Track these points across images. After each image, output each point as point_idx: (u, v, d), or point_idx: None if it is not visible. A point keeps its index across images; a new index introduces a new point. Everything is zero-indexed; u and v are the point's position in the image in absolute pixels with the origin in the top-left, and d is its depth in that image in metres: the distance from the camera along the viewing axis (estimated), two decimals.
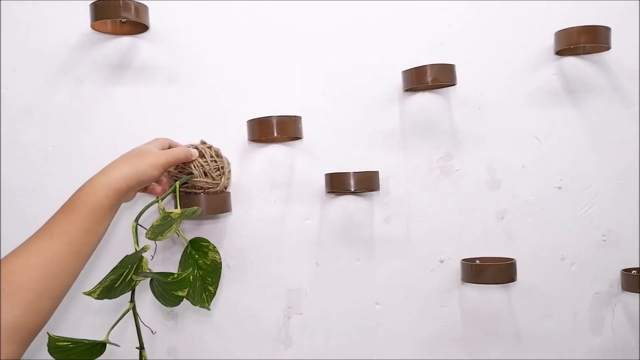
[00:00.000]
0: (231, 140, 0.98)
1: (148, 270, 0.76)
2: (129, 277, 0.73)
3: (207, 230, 0.98)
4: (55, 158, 0.97)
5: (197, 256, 0.83)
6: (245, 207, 0.98)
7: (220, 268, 0.83)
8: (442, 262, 1.01)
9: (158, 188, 0.87)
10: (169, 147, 0.84)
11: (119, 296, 0.76)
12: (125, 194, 0.73)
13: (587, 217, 1.02)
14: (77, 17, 0.95)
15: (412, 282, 1.01)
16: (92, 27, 0.93)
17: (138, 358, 0.83)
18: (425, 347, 1.01)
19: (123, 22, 0.97)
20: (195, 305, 0.82)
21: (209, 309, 0.82)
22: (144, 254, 0.75)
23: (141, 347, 0.85)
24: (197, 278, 0.82)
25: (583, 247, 1.02)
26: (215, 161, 0.87)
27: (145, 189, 0.86)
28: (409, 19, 1.01)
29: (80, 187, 0.71)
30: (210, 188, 0.86)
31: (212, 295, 0.82)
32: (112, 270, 0.73)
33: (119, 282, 0.72)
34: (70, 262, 0.66)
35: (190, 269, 0.82)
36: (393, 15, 1.01)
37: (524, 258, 1.00)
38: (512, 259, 0.96)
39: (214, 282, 0.82)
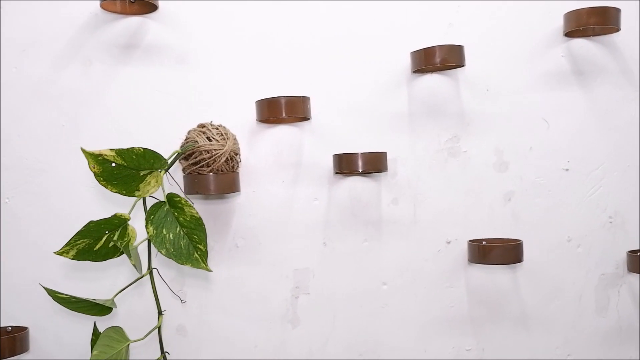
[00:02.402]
0: (240, 121, 0.95)
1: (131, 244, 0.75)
2: (111, 243, 0.72)
3: (216, 210, 0.96)
4: (65, 137, 0.95)
5: (176, 213, 0.77)
6: (253, 187, 0.96)
7: (202, 223, 0.77)
8: (448, 243, 0.99)
9: None
10: None
11: (105, 260, 0.76)
12: None
13: (593, 199, 1.00)
14: None
15: (419, 263, 0.99)
16: (102, 6, 0.90)
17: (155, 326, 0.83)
18: (432, 327, 1.00)
19: (132, 2, 0.94)
20: (185, 264, 0.76)
21: (210, 270, 0.78)
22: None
23: (159, 312, 0.84)
24: (180, 236, 0.76)
25: (589, 229, 1.00)
26: (217, 128, 0.85)
27: None
28: (417, 1, 0.98)
29: None
30: (217, 151, 0.82)
31: (205, 254, 0.77)
32: (80, 232, 0.72)
33: (99, 246, 0.72)
34: None
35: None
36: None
37: (530, 240, 0.98)
38: (519, 240, 0.94)
39: (201, 239, 0.77)
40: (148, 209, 0.77)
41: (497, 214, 1.00)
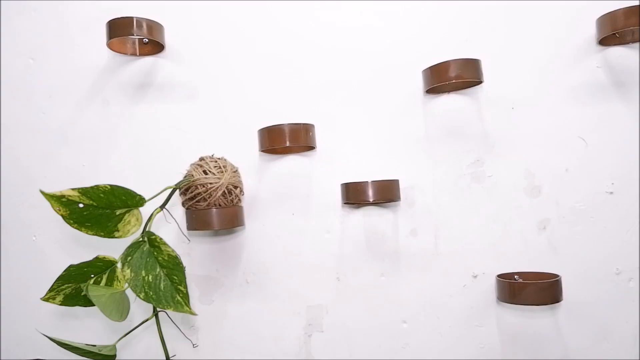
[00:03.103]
0: (248, 153, 0.93)
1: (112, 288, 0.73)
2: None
3: (224, 245, 0.94)
4: (84, 177, 0.98)
5: (155, 253, 0.73)
6: (262, 220, 0.93)
7: (180, 262, 0.73)
8: (475, 277, 0.90)
9: None
10: None
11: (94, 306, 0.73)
12: None
13: None
14: (103, 42, 0.95)
15: (443, 299, 0.90)
16: (109, 46, 0.92)
17: None
18: None
19: (145, 43, 0.96)
20: (166, 308, 0.72)
21: (194, 314, 0.74)
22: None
23: (167, 358, 0.82)
24: (159, 278, 0.72)
25: None
26: (216, 161, 0.83)
27: None
28: (431, 15, 0.92)
29: None
30: (212, 185, 0.80)
31: (186, 296, 0.72)
32: (61, 277, 0.70)
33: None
34: None
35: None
36: (412, 13, 0.92)
37: (571, 273, 0.86)
38: (557, 275, 0.83)
39: (181, 280, 0.72)
40: (125, 249, 0.74)
41: (531, 244, 0.89)
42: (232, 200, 0.83)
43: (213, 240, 0.94)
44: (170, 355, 0.84)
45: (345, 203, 0.90)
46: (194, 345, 0.93)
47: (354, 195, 0.86)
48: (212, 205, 0.81)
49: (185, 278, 0.72)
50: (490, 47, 0.90)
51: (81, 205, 0.65)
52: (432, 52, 0.90)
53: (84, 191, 0.65)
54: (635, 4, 0.80)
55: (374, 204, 0.90)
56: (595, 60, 0.88)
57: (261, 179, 0.93)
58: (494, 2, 0.90)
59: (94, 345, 0.76)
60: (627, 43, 0.87)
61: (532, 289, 0.80)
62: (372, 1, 0.92)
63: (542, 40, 0.89)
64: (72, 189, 0.64)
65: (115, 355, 0.80)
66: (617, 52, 0.87)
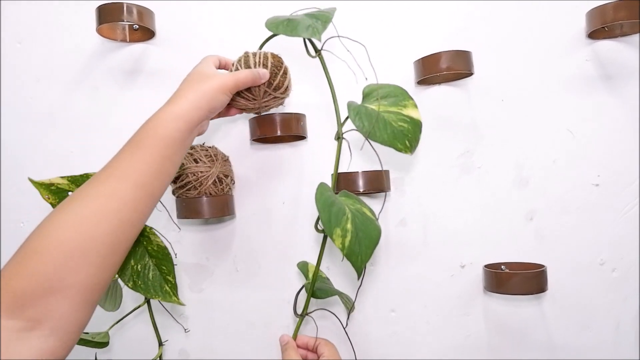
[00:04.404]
0: (239, 142, 0.92)
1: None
2: None
3: (215, 234, 0.93)
4: (73, 163, 0.96)
5: (145, 242, 0.72)
6: (252, 209, 0.92)
7: (169, 253, 0.71)
8: (463, 267, 0.90)
9: (229, 112, 0.77)
10: (219, 65, 0.74)
11: None
12: (197, 124, 0.62)
13: (629, 216, 0.87)
14: (93, 27, 0.93)
15: (431, 288, 0.90)
16: (99, 32, 0.90)
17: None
18: (446, 358, 0.90)
19: (135, 29, 0.94)
20: (154, 298, 0.71)
21: (182, 304, 0.73)
22: None
23: (160, 343, 0.82)
24: (148, 268, 0.71)
25: (625, 250, 0.87)
26: (206, 150, 0.81)
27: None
28: (420, 6, 0.91)
29: (147, 121, 0.60)
30: (203, 173, 0.78)
31: (174, 286, 0.71)
32: None
33: None
34: (144, 207, 0.55)
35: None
36: (405, 5, 0.91)
37: (557, 263, 0.87)
38: (542, 266, 0.83)
39: (170, 270, 0.71)
40: None
41: (518, 235, 0.89)
42: (222, 189, 0.82)
43: (203, 228, 0.93)
44: (162, 341, 0.83)
45: (336, 193, 0.89)
46: (185, 330, 0.92)
47: (344, 185, 0.85)
48: (203, 193, 0.80)
49: (174, 269, 0.71)
50: (481, 40, 0.89)
51: (70, 194, 0.64)
52: (424, 44, 0.89)
53: (73, 179, 0.63)
54: None
55: (365, 194, 0.90)
56: (585, 53, 0.88)
57: (252, 168, 0.92)
58: None
59: (87, 333, 0.75)
60: (616, 37, 0.86)
61: (518, 279, 0.81)
62: None
63: (533, 33, 0.88)
64: (61, 177, 0.63)
65: (108, 342, 0.79)
66: (606, 46, 0.87)
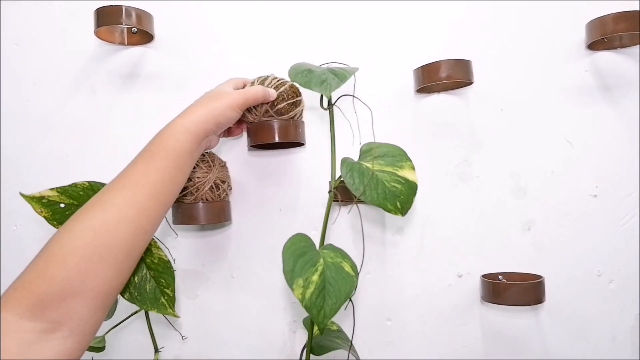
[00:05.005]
0: (236, 148, 0.91)
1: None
2: None
3: (211, 239, 0.92)
4: (69, 167, 0.95)
5: (144, 254, 0.71)
6: (249, 216, 0.91)
7: (171, 267, 0.71)
8: (460, 276, 0.89)
9: (237, 130, 0.82)
10: (244, 87, 0.77)
11: None
12: (204, 138, 0.65)
13: (627, 228, 0.86)
14: (91, 30, 0.92)
15: (427, 298, 0.89)
16: (97, 34, 0.89)
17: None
18: None
19: (134, 32, 0.93)
20: (150, 310, 0.70)
21: (177, 316, 0.73)
22: None
23: (156, 350, 0.80)
24: (145, 279, 0.70)
25: (623, 262, 0.86)
26: (203, 155, 0.80)
27: (226, 132, 0.82)
28: (421, 14, 0.90)
29: (159, 133, 0.63)
30: (200, 179, 0.78)
31: (172, 299, 0.71)
32: None
33: None
34: (157, 215, 0.57)
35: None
36: (403, 11, 0.91)
37: (554, 274, 0.86)
38: (540, 277, 0.82)
39: (169, 284, 0.70)
40: None
41: (515, 245, 0.88)
42: (219, 195, 0.81)
43: (199, 234, 0.92)
44: (158, 347, 0.82)
45: (334, 201, 0.88)
46: (183, 338, 0.91)
47: (342, 192, 0.84)
48: (199, 199, 0.79)
49: (174, 282, 0.71)
50: (481, 49, 0.89)
51: (62, 205, 0.63)
52: (423, 52, 0.88)
53: (62, 190, 0.62)
54: (623, 9, 0.79)
55: (362, 201, 0.88)
56: (584, 64, 0.87)
57: (249, 174, 0.91)
58: (485, 3, 0.89)
59: None
60: (615, 48, 0.86)
61: (515, 290, 0.80)
62: (364, 1, 0.91)
63: (533, 43, 0.88)
64: (51, 189, 0.62)
65: (104, 347, 0.77)
66: (605, 57, 0.87)
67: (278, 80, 0.78)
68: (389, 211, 0.66)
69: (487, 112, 0.89)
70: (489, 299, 0.83)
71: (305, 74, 0.69)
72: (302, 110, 0.81)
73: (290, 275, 0.60)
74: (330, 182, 0.75)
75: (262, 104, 0.76)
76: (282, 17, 0.92)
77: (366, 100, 0.82)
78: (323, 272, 0.62)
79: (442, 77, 0.83)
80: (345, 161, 0.70)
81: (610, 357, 0.87)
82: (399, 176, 0.68)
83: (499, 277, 0.87)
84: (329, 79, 0.66)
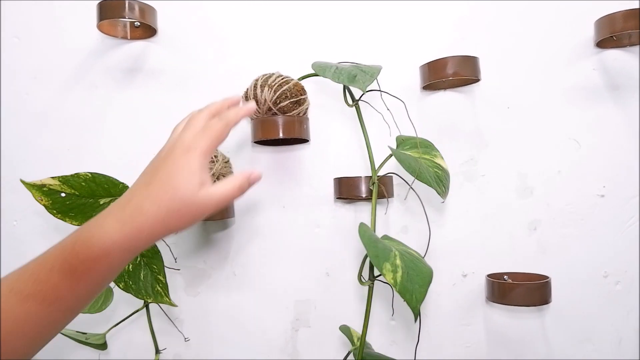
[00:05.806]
0: (240, 143, 0.89)
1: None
2: None
3: (213, 236, 0.90)
4: (68, 161, 0.93)
5: None
6: (252, 213, 0.89)
7: (159, 251, 0.68)
8: (465, 276, 0.88)
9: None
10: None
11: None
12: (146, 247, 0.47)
13: (634, 229, 0.85)
14: (93, 24, 0.90)
15: (432, 298, 0.88)
16: (99, 28, 0.87)
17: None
18: None
19: (137, 26, 0.91)
20: (146, 299, 0.67)
21: (174, 305, 0.70)
22: None
23: (157, 351, 0.79)
24: (140, 266, 0.67)
25: (629, 263, 0.85)
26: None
27: None
28: (427, 13, 0.89)
29: (85, 239, 0.45)
30: None
31: (165, 286, 0.67)
32: None
33: None
34: (63, 324, 0.47)
35: None
36: (410, 10, 0.89)
37: (560, 275, 0.84)
38: (547, 277, 0.81)
39: (160, 269, 0.67)
40: None
41: (521, 245, 0.87)
42: None
43: (201, 231, 0.90)
44: (160, 348, 0.80)
45: (337, 198, 0.87)
46: (185, 339, 0.89)
47: (346, 190, 0.83)
48: None
49: (163, 267, 0.68)
50: (488, 47, 0.87)
51: (63, 195, 0.61)
52: (429, 50, 0.87)
53: (64, 179, 0.60)
54: (633, 7, 0.78)
55: (367, 199, 0.87)
56: (592, 62, 0.86)
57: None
58: (494, 2, 0.87)
59: (84, 334, 0.73)
60: (624, 46, 0.85)
61: (521, 290, 0.79)
62: (373, 0, 0.89)
63: (541, 40, 0.87)
64: (53, 178, 0.60)
65: (104, 344, 0.76)
66: (614, 55, 0.85)
67: (282, 79, 0.76)
68: (438, 193, 0.69)
69: (493, 110, 0.88)
70: (494, 299, 0.81)
71: (335, 71, 0.68)
72: (306, 108, 0.80)
73: (377, 261, 0.58)
74: (371, 176, 0.76)
75: (265, 101, 0.74)
76: (287, 15, 0.90)
77: (376, 98, 0.81)
78: (402, 257, 0.60)
79: (449, 74, 0.81)
80: (395, 150, 0.72)
81: (616, 358, 0.85)
82: (436, 163, 0.71)
83: (505, 277, 0.85)
84: (359, 75, 0.67)
